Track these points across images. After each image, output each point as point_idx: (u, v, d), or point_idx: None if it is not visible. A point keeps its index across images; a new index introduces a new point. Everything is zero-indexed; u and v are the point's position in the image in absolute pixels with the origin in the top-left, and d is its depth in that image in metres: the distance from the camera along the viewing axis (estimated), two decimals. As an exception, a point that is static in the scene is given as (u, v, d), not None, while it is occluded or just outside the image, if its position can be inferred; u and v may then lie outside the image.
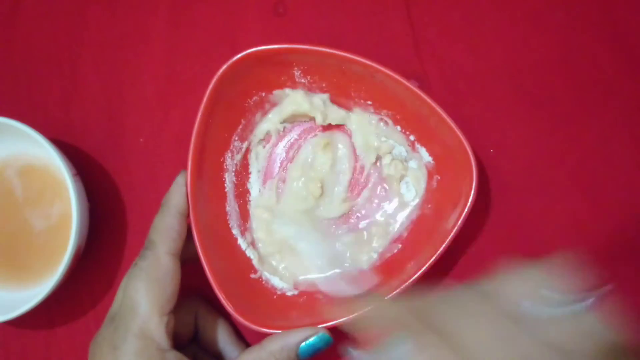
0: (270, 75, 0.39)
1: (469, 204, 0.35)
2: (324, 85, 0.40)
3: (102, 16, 0.45)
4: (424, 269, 0.35)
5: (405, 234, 0.40)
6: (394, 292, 0.35)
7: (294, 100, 0.40)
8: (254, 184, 0.42)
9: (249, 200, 0.41)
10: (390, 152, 0.41)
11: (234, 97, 0.38)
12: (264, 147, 0.42)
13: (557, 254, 0.26)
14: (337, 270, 0.39)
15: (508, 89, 0.42)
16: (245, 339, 0.41)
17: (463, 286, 0.26)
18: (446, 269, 0.40)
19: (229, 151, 0.40)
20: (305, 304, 0.39)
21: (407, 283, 0.35)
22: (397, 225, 0.40)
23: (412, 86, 0.36)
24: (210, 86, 0.36)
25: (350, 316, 0.34)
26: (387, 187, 0.41)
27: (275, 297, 0.39)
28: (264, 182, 0.42)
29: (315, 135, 0.42)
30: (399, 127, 0.40)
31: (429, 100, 0.36)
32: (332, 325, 0.35)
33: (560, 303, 0.24)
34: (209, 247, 0.36)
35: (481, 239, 0.41)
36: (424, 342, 0.23)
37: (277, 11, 0.44)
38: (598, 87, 0.41)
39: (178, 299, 0.34)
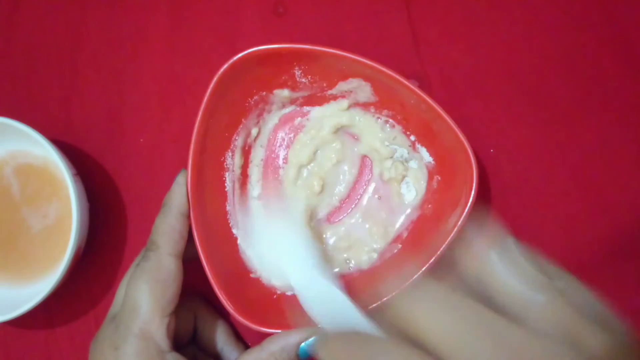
0: (270, 75, 0.39)
1: (469, 204, 0.35)
2: (324, 85, 0.40)
3: (102, 16, 0.45)
4: (424, 269, 0.35)
5: (405, 234, 0.40)
6: (394, 292, 0.35)
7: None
8: (254, 183, 0.42)
9: (249, 200, 0.41)
10: (391, 157, 0.41)
11: (234, 97, 0.38)
12: (265, 146, 0.42)
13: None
14: (319, 277, 0.35)
15: (508, 89, 0.42)
16: (244, 340, 0.41)
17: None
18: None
19: (229, 150, 0.40)
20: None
21: (407, 283, 0.35)
22: (397, 225, 0.40)
23: (412, 86, 0.36)
24: (211, 86, 0.36)
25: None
26: (387, 188, 0.41)
27: (275, 297, 0.39)
28: (265, 181, 0.42)
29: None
30: (400, 128, 0.40)
31: (429, 100, 0.36)
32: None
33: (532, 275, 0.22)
34: (209, 247, 0.36)
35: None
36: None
37: (277, 11, 0.44)
38: (598, 87, 0.41)
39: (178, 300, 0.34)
